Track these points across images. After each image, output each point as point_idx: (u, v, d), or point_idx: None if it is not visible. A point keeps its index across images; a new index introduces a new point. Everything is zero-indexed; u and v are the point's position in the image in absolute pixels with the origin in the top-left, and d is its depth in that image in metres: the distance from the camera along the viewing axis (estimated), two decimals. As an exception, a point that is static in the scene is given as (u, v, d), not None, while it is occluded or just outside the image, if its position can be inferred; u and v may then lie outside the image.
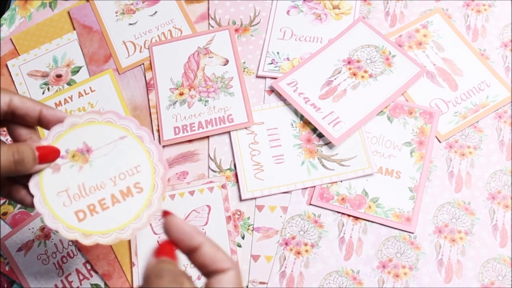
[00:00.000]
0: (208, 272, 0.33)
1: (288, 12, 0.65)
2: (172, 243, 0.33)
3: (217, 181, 0.57)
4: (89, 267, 0.55)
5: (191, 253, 0.33)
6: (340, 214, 0.55)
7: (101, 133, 0.43)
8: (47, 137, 0.42)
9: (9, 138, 0.61)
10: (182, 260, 0.35)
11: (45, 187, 0.42)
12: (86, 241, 0.41)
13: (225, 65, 0.63)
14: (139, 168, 0.42)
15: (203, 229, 0.55)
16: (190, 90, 0.61)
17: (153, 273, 0.30)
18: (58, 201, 0.41)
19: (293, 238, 0.54)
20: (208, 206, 0.56)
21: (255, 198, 0.56)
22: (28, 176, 0.41)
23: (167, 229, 0.33)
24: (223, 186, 0.56)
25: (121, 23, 0.67)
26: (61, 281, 0.55)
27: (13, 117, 0.41)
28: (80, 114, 0.43)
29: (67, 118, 0.42)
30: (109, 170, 0.42)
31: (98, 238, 0.41)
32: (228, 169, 0.58)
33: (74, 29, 0.67)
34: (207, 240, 0.33)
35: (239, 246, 0.54)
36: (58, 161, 0.42)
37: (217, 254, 0.32)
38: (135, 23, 0.67)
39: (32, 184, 0.42)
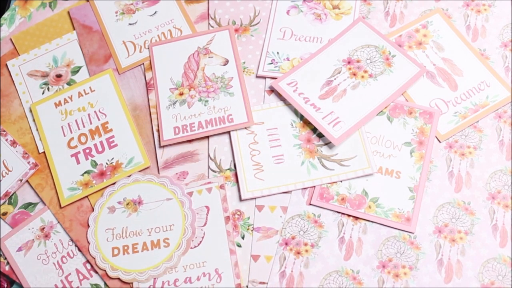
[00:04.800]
0: None
1: (288, 12, 0.65)
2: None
3: (215, 181, 0.57)
4: (89, 267, 0.55)
5: None
6: (340, 214, 0.55)
7: (154, 191, 0.55)
8: (115, 185, 0.56)
9: (9, 138, 0.61)
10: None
11: (99, 222, 0.54)
12: (112, 273, 0.52)
13: (225, 65, 0.63)
14: (173, 227, 0.53)
15: (202, 230, 0.55)
16: (190, 90, 0.61)
17: None
18: (104, 235, 0.54)
19: (293, 238, 0.54)
20: (207, 207, 0.56)
21: (255, 198, 0.56)
22: None
23: None
24: (222, 187, 0.56)
25: (121, 23, 0.67)
26: (61, 281, 0.55)
27: None
28: (142, 174, 0.56)
29: (133, 174, 0.56)
30: (149, 222, 0.54)
31: (121, 274, 0.52)
32: (228, 169, 0.58)
33: (74, 29, 0.67)
34: None
35: (239, 246, 0.54)
36: (116, 205, 0.55)
37: None
38: (135, 23, 0.67)
39: (91, 217, 0.55)
